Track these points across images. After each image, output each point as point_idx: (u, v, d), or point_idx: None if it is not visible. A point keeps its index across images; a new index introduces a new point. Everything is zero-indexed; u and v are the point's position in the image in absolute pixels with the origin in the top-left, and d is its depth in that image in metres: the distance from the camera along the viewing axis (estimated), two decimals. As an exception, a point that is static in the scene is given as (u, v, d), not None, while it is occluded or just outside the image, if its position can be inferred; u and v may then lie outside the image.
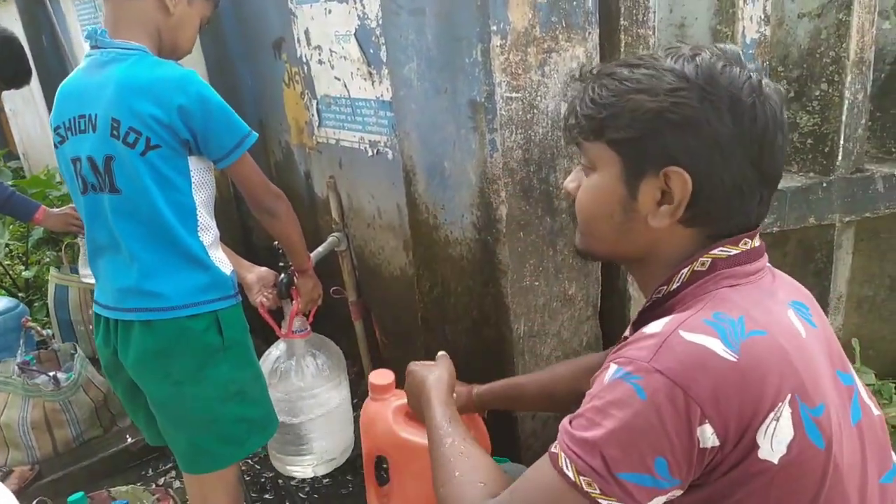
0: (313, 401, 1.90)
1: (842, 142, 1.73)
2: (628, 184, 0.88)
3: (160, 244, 1.45)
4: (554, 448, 0.83)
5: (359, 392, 2.49)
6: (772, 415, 0.76)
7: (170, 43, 1.51)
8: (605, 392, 0.80)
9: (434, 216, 1.69)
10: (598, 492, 0.77)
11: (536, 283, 1.54)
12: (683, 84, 0.82)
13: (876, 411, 0.93)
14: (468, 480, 0.96)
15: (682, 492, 0.80)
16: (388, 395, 1.46)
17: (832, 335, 0.92)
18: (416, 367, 1.34)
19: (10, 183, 3.49)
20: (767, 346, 0.79)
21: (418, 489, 1.32)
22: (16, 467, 2.33)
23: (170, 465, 2.39)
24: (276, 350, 1.93)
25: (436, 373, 1.28)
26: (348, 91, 2.07)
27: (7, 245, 3.83)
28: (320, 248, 2.14)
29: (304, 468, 1.98)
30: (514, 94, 1.40)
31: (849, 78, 1.68)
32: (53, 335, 2.95)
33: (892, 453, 0.92)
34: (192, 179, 1.47)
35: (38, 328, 2.73)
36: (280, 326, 1.88)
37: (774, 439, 0.77)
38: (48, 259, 3.75)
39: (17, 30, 3.36)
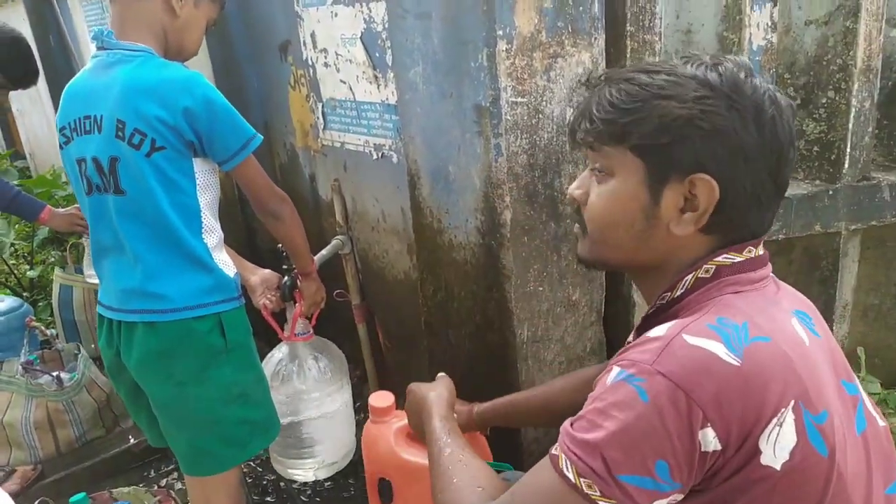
0: (315, 404, 1.89)
1: (848, 149, 1.72)
2: (652, 190, 0.87)
3: (164, 246, 1.45)
4: (554, 450, 0.83)
5: (361, 395, 2.49)
6: (775, 420, 0.76)
7: (176, 44, 1.51)
8: (607, 394, 0.80)
9: (438, 220, 1.69)
10: (598, 494, 0.77)
11: (540, 289, 1.53)
12: (710, 92, 0.83)
13: (881, 422, 0.92)
14: (466, 486, 0.97)
15: (682, 496, 0.79)
16: (388, 418, 1.46)
17: (836, 346, 0.92)
18: (417, 386, 1.35)
19: (16, 182, 3.50)
20: (771, 352, 0.79)
21: (422, 510, 1.32)
22: (19, 467, 2.33)
23: (172, 466, 2.39)
24: (279, 353, 1.93)
25: (436, 390, 1.29)
26: (354, 94, 2.07)
27: (12, 244, 3.84)
28: (324, 251, 2.14)
29: (305, 472, 1.97)
30: (519, 99, 1.39)
31: (856, 86, 1.67)
32: (57, 335, 2.96)
33: (899, 464, 0.91)
34: (197, 181, 1.47)
35: (43, 328, 2.73)
36: (283, 329, 1.88)
37: (777, 445, 0.76)
38: (53, 259, 3.77)
39: (25, 30, 3.37)
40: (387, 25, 1.76)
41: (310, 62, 2.25)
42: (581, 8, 1.39)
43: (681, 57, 0.90)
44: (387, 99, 1.92)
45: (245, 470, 2.26)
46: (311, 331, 1.91)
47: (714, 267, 0.88)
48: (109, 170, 1.43)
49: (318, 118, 2.32)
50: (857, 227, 1.80)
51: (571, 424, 0.82)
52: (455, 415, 1.29)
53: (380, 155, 2.03)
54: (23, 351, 2.53)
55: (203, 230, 1.49)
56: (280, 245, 1.77)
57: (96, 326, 1.61)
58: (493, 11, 1.33)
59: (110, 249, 1.51)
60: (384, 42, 1.83)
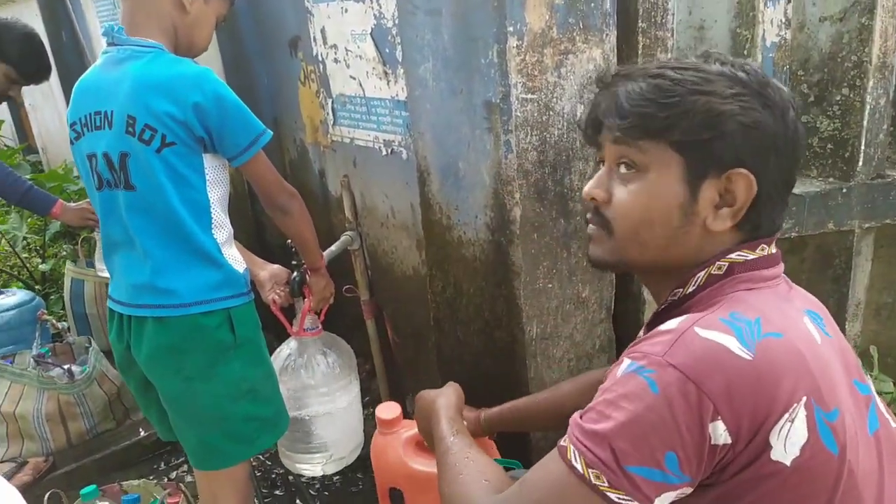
0: (323, 399, 1.90)
1: (863, 147, 1.70)
2: (690, 186, 0.87)
3: (174, 241, 1.45)
4: (563, 441, 0.83)
5: (370, 390, 2.49)
6: (786, 415, 0.76)
7: (186, 40, 1.52)
8: (617, 385, 0.80)
9: (447, 217, 1.69)
10: (606, 485, 0.77)
11: (550, 286, 1.53)
12: (743, 89, 0.85)
13: (894, 423, 0.92)
14: (473, 480, 0.97)
15: (691, 489, 0.79)
16: (396, 429, 1.46)
17: (847, 346, 0.92)
18: (426, 392, 1.36)
19: (28, 177, 3.52)
20: (783, 347, 0.78)
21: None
22: (31, 458, 2.36)
23: (182, 459, 2.41)
24: (287, 348, 1.93)
25: (445, 396, 1.29)
26: (363, 90, 2.07)
27: (24, 238, 3.87)
28: (333, 247, 2.14)
29: (313, 466, 1.98)
30: (529, 96, 1.39)
31: (871, 82, 1.65)
32: (69, 328, 2.98)
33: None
34: (207, 177, 1.48)
35: (54, 321, 2.75)
36: (292, 324, 1.89)
37: (788, 441, 0.76)
38: (65, 253, 3.79)
39: (38, 25, 3.39)
40: (397, 21, 1.76)
41: (320, 58, 2.25)
42: (593, 4, 1.38)
43: (696, 56, 0.90)
44: (396, 95, 1.91)
45: (254, 463, 2.27)
46: (320, 326, 1.91)
47: (727, 264, 0.89)
48: (120, 165, 1.43)
49: (327, 114, 2.32)
50: (871, 225, 1.78)
51: (581, 416, 0.82)
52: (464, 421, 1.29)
53: (389, 151, 2.03)
54: (35, 344, 2.55)
55: (213, 226, 1.50)
56: (289, 241, 1.77)
57: (107, 320, 1.62)
58: (504, 7, 1.32)
59: (120, 244, 1.52)
60: (394, 38, 1.83)
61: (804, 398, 0.77)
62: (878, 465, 0.85)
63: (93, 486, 1.76)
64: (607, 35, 1.41)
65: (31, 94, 5.01)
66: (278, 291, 1.82)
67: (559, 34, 1.37)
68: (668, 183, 0.87)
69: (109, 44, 1.48)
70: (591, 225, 0.97)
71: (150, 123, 1.39)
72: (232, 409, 1.54)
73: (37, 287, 3.70)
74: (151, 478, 2.32)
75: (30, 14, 3.98)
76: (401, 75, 1.84)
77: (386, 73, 1.93)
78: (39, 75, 2.44)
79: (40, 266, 3.81)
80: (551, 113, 1.41)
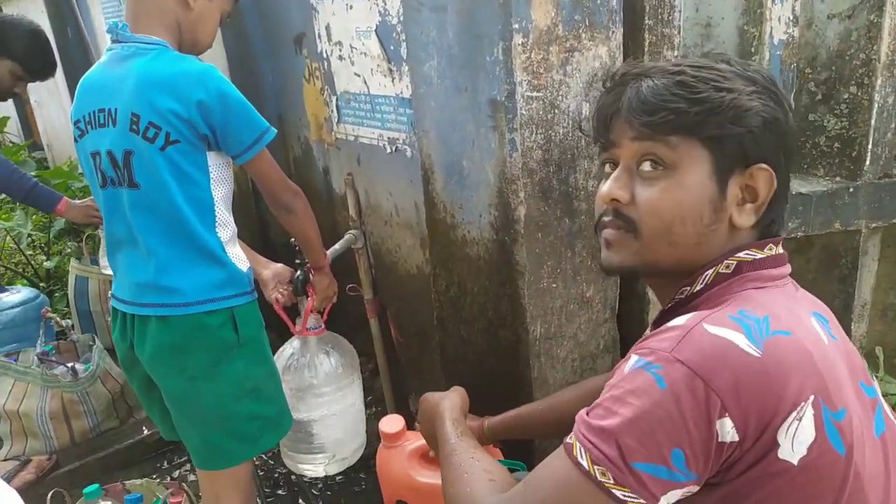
0: (326, 399, 1.90)
1: (870, 146, 1.69)
2: (719, 181, 0.87)
3: (178, 239, 1.45)
4: (569, 438, 0.82)
5: (373, 389, 2.49)
6: (794, 414, 0.75)
7: (190, 37, 1.51)
8: (624, 381, 0.79)
9: (452, 215, 1.68)
10: (611, 481, 0.76)
11: (554, 285, 1.52)
12: (759, 87, 0.87)
13: (900, 427, 0.91)
14: (479, 478, 0.96)
15: (697, 487, 0.78)
16: (400, 442, 1.46)
17: (853, 349, 0.92)
18: (430, 395, 1.35)
19: (33, 173, 3.53)
20: (792, 345, 0.78)
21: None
22: (34, 456, 2.36)
23: (185, 458, 2.41)
24: (290, 347, 1.93)
25: (449, 398, 1.29)
26: (368, 87, 2.06)
27: (29, 235, 3.88)
28: (337, 246, 2.14)
29: (315, 467, 1.98)
30: (535, 94, 1.38)
31: (879, 81, 1.64)
32: (73, 326, 2.98)
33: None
34: (211, 175, 1.47)
35: (58, 319, 2.76)
36: (295, 323, 1.88)
37: (796, 439, 0.75)
38: (69, 250, 3.80)
39: (43, 22, 3.40)
40: (402, 18, 1.75)
41: (324, 55, 2.24)
42: (599, 1, 1.37)
43: (701, 55, 0.92)
44: (401, 92, 1.91)
45: (257, 463, 2.27)
46: (323, 326, 1.91)
47: (735, 263, 0.89)
48: (124, 163, 1.43)
49: (332, 111, 2.31)
50: (878, 225, 1.77)
51: (587, 412, 0.82)
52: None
53: (394, 149, 2.03)
54: (39, 342, 2.55)
55: (217, 224, 1.49)
56: (293, 239, 1.76)
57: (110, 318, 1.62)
58: (510, 5, 1.32)
59: (124, 243, 1.52)
60: (399, 35, 1.82)
61: (812, 397, 0.76)
62: (885, 468, 0.84)
63: (95, 486, 1.76)
64: (613, 32, 1.40)
65: (36, 91, 5.02)
66: (282, 290, 1.81)
67: (565, 31, 1.36)
68: (699, 178, 0.87)
69: (114, 41, 1.47)
70: (608, 229, 0.93)
71: (154, 121, 1.38)
72: (235, 408, 1.53)
73: (41, 284, 3.70)
74: (154, 477, 2.32)
75: (35, 10, 3.99)
76: (405, 73, 1.83)
77: (390, 71, 1.93)
78: (45, 72, 2.44)
79: (45, 263, 3.83)
80: (556, 111, 1.41)
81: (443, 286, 1.79)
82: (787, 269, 0.93)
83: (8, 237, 3.99)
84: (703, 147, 0.86)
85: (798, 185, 1.69)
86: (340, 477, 2.22)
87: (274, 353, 1.71)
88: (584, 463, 0.78)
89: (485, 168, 1.51)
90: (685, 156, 0.87)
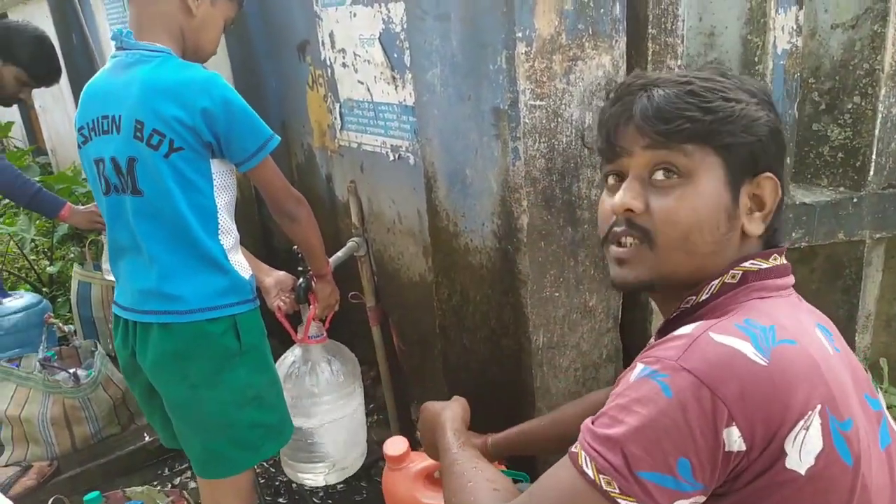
0: (326, 407, 1.89)
1: (874, 156, 1.68)
2: (732, 189, 0.88)
3: (181, 247, 1.45)
4: (574, 448, 0.81)
5: (375, 397, 2.48)
6: (801, 423, 0.75)
7: (193, 44, 1.51)
8: (630, 390, 0.78)
9: (454, 223, 1.68)
10: (617, 491, 0.75)
11: (556, 294, 1.51)
12: (758, 99, 0.89)
13: (906, 439, 0.90)
14: (482, 488, 0.96)
15: (704, 498, 0.77)
16: (405, 464, 1.46)
17: (857, 362, 0.91)
18: (431, 404, 1.34)
19: (37, 179, 3.53)
20: (798, 354, 0.78)
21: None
22: (35, 462, 2.35)
23: (186, 465, 2.40)
24: (292, 355, 1.93)
25: (450, 408, 1.28)
26: (371, 95, 2.07)
27: (33, 240, 3.89)
28: (339, 253, 2.13)
29: (315, 476, 1.97)
30: (538, 103, 1.38)
31: (883, 91, 1.63)
32: (75, 331, 2.98)
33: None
34: (215, 182, 1.47)
35: (61, 324, 2.76)
36: (297, 331, 1.88)
37: (803, 449, 0.75)
38: (72, 255, 3.80)
39: (48, 28, 3.41)
40: (405, 26, 1.75)
41: (328, 62, 2.25)
42: (602, 10, 1.37)
43: (697, 68, 0.93)
44: (404, 100, 1.91)
45: (258, 471, 2.26)
46: (325, 334, 1.90)
47: (741, 272, 0.89)
48: (127, 170, 1.43)
49: (335, 118, 2.31)
50: (882, 235, 1.76)
51: (593, 421, 0.81)
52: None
53: (396, 156, 2.03)
54: (41, 347, 2.55)
55: (219, 231, 1.49)
56: (295, 246, 1.76)
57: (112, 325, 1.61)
58: (513, 13, 1.32)
59: (127, 250, 1.52)
60: (402, 43, 1.82)
61: (819, 406, 0.76)
62: (891, 480, 0.84)
63: (96, 492, 1.76)
64: (617, 41, 1.40)
65: (41, 97, 5.04)
66: (284, 298, 1.81)
67: (568, 40, 1.36)
68: (714, 186, 0.87)
69: (118, 48, 1.48)
70: (620, 246, 0.92)
71: (159, 128, 1.39)
72: (237, 415, 1.53)
73: (44, 289, 3.71)
74: (155, 483, 2.31)
75: (41, 16, 4.00)
76: (409, 80, 1.83)
77: (394, 78, 1.93)
78: (50, 78, 2.45)
79: (48, 268, 3.83)
80: (560, 120, 1.40)
81: (445, 294, 1.78)
82: (791, 279, 0.92)
83: (11, 242, 4.00)
84: (716, 155, 0.87)
85: (802, 195, 1.69)
86: (341, 485, 2.22)
87: (275, 361, 1.71)
88: (590, 472, 0.77)
89: (488, 176, 1.51)
90: (700, 164, 0.87)
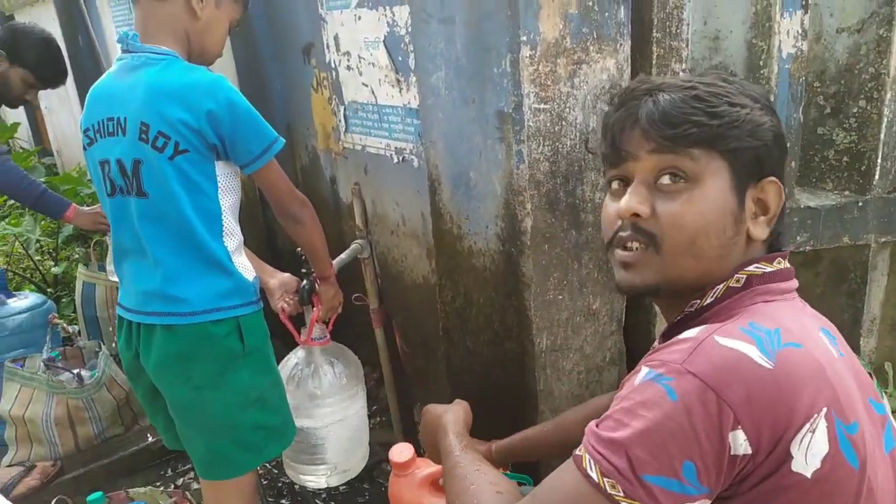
0: (329, 409, 1.89)
1: (879, 160, 1.68)
2: (738, 193, 0.88)
3: (185, 249, 1.45)
4: (578, 450, 0.81)
5: (378, 399, 2.48)
6: (807, 426, 0.74)
7: (198, 47, 1.52)
8: (635, 393, 0.78)
9: (458, 226, 1.68)
10: (621, 494, 0.75)
11: (560, 297, 1.51)
12: (760, 104, 0.89)
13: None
14: (485, 490, 0.96)
15: (709, 501, 0.77)
16: (411, 470, 1.45)
17: (860, 367, 0.91)
18: (433, 406, 1.34)
19: (42, 179, 3.55)
20: (803, 358, 0.78)
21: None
22: (39, 462, 2.36)
23: (188, 466, 2.40)
24: (295, 357, 1.93)
25: (452, 410, 1.28)
26: (376, 97, 2.07)
27: (38, 241, 3.90)
28: (343, 255, 2.13)
29: (317, 478, 1.97)
30: (542, 106, 1.38)
31: (888, 95, 1.63)
32: (80, 332, 2.99)
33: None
34: (219, 184, 1.48)
35: (65, 325, 2.76)
36: (300, 333, 1.88)
37: (809, 452, 0.75)
38: (77, 256, 3.81)
39: (55, 29, 3.42)
40: (410, 29, 1.76)
41: (332, 65, 2.25)
42: (607, 14, 1.37)
43: (699, 73, 0.94)
44: (409, 103, 1.91)
45: (260, 472, 2.27)
46: (328, 336, 1.91)
47: (745, 276, 0.89)
48: (132, 172, 1.44)
49: (339, 121, 2.32)
50: (887, 239, 1.76)
51: (597, 424, 0.81)
52: None
53: (401, 159, 2.03)
54: (45, 347, 2.55)
55: (224, 233, 1.49)
56: (299, 248, 1.77)
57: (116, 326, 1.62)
58: (518, 17, 1.32)
59: (131, 251, 1.52)
60: (407, 46, 1.82)
61: (825, 409, 0.76)
62: (895, 484, 0.84)
63: (99, 493, 1.76)
64: (621, 45, 1.40)
65: (46, 98, 5.05)
66: (287, 300, 1.81)
67: (573, 44, 1.36)
68: (721, 191, 0.87)
69: (124, 50, 1.48)
70: (626, 250, 0.92)
71: (164, 130, 1.39)
72: (241, 417, 1.53)
73: (49, 290, 3.72)
74: (158, 484, 2.32)
75: (47, 18, 4.02)
76: (413, 83, 1.84)
77: (398, 81, 1.93)
78: (56, 79, 2.46)
79: (52, 269, 3.84)
80: (564, 123, 1.41)
81: (449, 297, 1.78)
82: (795, 283, 0.92)
83: (17, 242, 4.01)
84: (721, 159, 0.87)
85: (807, 199, 1.69)
86: (344, 487, 2.22)
87: (279, 363, 1.71)
88: (594, 475, 0.77)
89: (492, 179, 1.51)
90: (706, 168, 0.87)
